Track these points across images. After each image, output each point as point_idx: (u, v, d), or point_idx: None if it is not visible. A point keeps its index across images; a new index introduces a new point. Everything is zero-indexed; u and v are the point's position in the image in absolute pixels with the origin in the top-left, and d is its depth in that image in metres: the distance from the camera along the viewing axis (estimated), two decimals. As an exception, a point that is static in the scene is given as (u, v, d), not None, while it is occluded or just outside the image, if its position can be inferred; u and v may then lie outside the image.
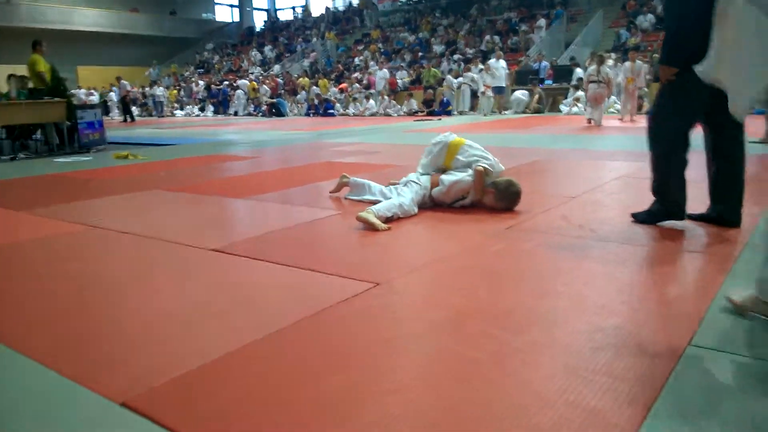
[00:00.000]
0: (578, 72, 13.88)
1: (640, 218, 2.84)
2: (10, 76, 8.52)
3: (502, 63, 14.78)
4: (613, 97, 12.87)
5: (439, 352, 1.54)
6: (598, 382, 1.34)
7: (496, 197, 3.18)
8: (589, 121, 9.89)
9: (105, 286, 2.24)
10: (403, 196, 3.20)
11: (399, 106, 16.50)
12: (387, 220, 2.98)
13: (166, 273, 2.40)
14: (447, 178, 3.25)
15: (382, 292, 2.02)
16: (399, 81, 18.38)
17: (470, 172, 3.21)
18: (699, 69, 1.90)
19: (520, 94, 14.91)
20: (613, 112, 12.41)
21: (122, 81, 19.07)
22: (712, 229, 2.68)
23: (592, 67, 9.99)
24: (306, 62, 24.01)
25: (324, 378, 1.42)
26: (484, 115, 14.44)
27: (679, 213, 2.73)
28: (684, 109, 2.63)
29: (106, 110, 22.93)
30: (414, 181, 3.30)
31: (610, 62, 11.41)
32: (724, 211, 2.70)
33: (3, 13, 24.63)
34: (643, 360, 1.45)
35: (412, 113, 15.75)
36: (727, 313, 1.72)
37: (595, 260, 2.29)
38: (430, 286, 2.09)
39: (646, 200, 2.98)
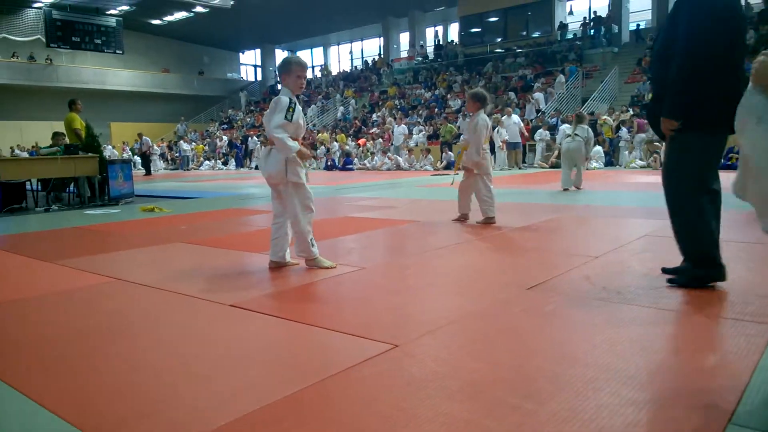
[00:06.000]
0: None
1: (679, 282, 2.73)
2: (55, 134, 9.01)
3: (515, 118, 14.98)
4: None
5: (459, 423, 1.48)
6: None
7: None
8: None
9: (123, 340, 2.24)
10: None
11: (418, 162, 16.73)
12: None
13: (184, 328, 2.39)
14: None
15: (400, 354, 1.98)
16: (414, 136, 18.71)
17: None
18: (732, 187, 1.87)
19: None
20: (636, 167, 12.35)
21: (144, 137, 19.84)
22: (743, 290, 2.60)
23: (567, 126, 9.17)
24: (326, 118, 24.70)
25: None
26: (501, 169, 14.55)
27: (722, 273, 2.64)
28: (707, 168, 2.63)
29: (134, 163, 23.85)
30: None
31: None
32: None
33: (44, 73, 26.14)
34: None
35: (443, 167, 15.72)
36: None
37: (620, 325, 2.22)
38: (449, 348, 2.04)
39: (672, 261, 2.93)
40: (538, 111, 17.56)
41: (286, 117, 3.20)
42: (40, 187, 8.77)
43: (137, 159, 20.68)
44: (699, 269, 2.68)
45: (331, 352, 2.06)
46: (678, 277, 2.77)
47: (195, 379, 1.84)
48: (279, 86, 3.44)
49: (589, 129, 8.83)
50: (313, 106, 26.42)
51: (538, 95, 18.15)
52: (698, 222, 2.61)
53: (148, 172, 19.31)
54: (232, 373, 1.87)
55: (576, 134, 8.48)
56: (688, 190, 2.64)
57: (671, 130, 2.60)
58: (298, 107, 3.31)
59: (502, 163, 14.90)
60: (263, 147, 3.52)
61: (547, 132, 15.36)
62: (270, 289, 3.01)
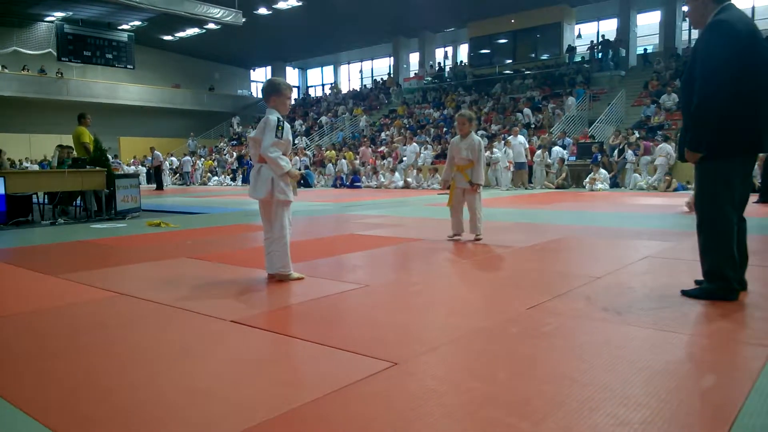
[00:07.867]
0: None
1: (692, 294, 2.85)
2: (57, 147, 9.07)
3: (520, 139, 15.07)
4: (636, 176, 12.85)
5: (456, 440, 1.49)
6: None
7: None
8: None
9: (123, 356, 2.26)
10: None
11: (425, 181, 16.78)
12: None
13: (184, 344, 2.41)
14: None
15: (399, 372, 1.99)
16: (423, 154, 18.81)
17: None
18: None
19: None
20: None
21: (155, 152, 19.95)
22: (746, 311, 2.60)
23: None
24: (334, 136, 24.91)
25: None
26: (506, 189, 14.56)
27: (734, 293, 2.76)
28: (731, 192, 2.74)
29: (148, 178, 24.12)
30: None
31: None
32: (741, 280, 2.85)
33: (55, 87, 26.52)
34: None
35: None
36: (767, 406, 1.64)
37: (619, 345, 2.22)
38: (448, 367, 2.06)
39: (673, 283, 2.93)
40: (528, 125, 17.82)
41: (276, 135, 3.33)
42: (46, 200, 8.82)
43: (142, 169, 20.79)
44: (711, 284, 2.80)
45: (330, 369, 2.07)
46: (692, 289, 2.89)
47: (195, 395, 1.85)
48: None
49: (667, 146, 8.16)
50: (322, 120, 26.67)
51: (527, 110, 18.60)
52: (723, 237, 2.72)
53: (160, 187, 19.32)
54: (232, 390, 1.88)
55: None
56: (720, 207, 2.73)
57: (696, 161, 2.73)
58: (286, 125, 3.43)
59: (507, 182, 14.92)
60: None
61: (548, 153, 15.42)
62: (271, 306, 3.03)
